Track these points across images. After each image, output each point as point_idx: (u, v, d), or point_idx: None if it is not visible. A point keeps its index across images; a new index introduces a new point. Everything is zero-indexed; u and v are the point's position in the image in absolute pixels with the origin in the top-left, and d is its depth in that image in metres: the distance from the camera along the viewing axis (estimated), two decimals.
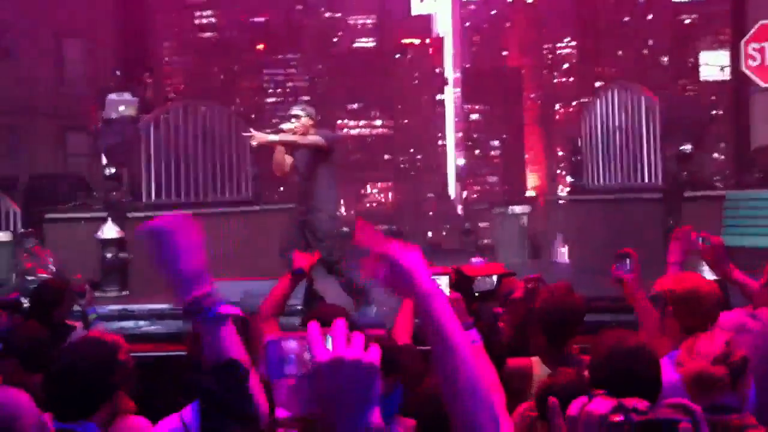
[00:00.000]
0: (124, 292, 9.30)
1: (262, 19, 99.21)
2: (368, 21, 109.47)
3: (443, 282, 3.61)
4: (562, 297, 3.63)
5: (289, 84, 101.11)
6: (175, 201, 10.93)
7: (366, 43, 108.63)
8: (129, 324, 6.55)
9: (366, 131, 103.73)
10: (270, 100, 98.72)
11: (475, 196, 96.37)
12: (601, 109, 11.33)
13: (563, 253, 11.80)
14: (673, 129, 10.31)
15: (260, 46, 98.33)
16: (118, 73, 12.58)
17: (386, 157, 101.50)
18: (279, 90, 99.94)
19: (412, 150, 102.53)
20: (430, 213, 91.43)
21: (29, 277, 9.22)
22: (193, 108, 12.06)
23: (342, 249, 7.44)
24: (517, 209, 12.90)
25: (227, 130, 11.79)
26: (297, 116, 7.55)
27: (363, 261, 1.60)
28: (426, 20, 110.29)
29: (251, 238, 10.89)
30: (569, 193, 12.25)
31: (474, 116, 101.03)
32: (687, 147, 9.88)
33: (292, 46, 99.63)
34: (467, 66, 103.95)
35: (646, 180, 10.39)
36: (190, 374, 2.89)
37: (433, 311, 1.54)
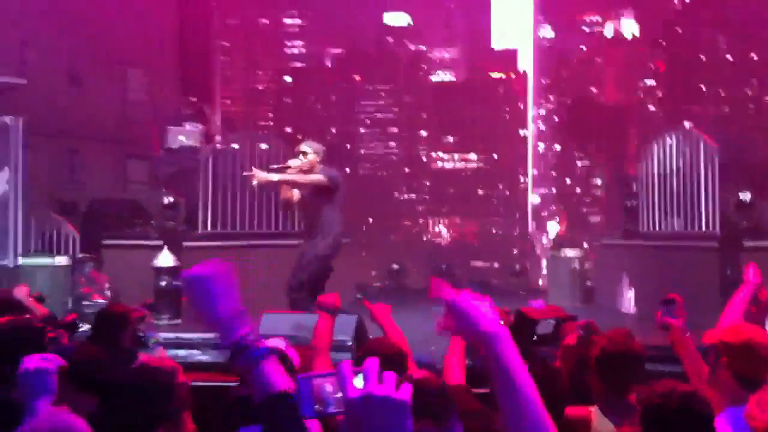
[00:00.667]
0: (176, 320, 9.41)
1: (350, 50, 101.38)
2: (447, 54, 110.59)
3: None
4: (622, 343, 3.55)
5: (378, 115, 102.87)
6: (230, 232, 11.09)
7: (450, 75, 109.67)
8: (182, 352, 6.62)
9: (460, 165, 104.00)
10: (362, 130, 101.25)
11: (544, 234, 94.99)
12: (659, 153, 11.23)
13: (629, 299, 11.26)
14: (734, 175, 10.16)
15: (356, 77, 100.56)
16: (193, 100, 12.79)
17: (480, 192, 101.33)
18: (369, 121, 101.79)
19: (501, 186, 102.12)
20: (515, 251, 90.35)
21: (85, 302, 9.41)
22: (251, 140, 12.27)
23: (314, 290, 7.39)
24: (569, 252, 12.78)
25: (282, 163, 11.95)
26: (304, 153, 7.72)
27: (439, 318, 1.66)
28: (511, 54, 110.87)
29: None
30: (623, 237, 12.07)
31: (578, 156, 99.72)
32: (746, 195, 9.71)
33: (381, 77, 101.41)
34: (565, 101, 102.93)
35: (704, 227, 10.22)
36: (243, 406, 2.94)
37: (498, 352, 1.57)
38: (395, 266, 16.30)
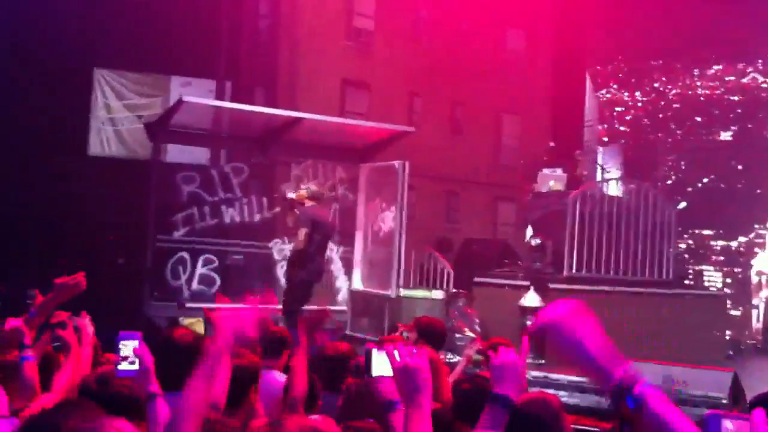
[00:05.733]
0: (540, 360, 9.61)
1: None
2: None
3: None
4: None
5: None
6: (596, 276, 11.09)
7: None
8: (549, 392, 6.78)
9: None
10: None
11: None
12: None
13: None
14: None
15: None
16: (552, 144, 13.17)
17: None
18: None
19: None
20: None
21: (457, 335, 10.02)
22: (619, 186, 12.19)
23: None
24: None
25: (651, 210, 11.71)
26: (303, 189, 10.46)
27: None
28: None
29: (671, 320, 10.58)
30: None
31: None
32: None
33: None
34: None
35: None
36: None
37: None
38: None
